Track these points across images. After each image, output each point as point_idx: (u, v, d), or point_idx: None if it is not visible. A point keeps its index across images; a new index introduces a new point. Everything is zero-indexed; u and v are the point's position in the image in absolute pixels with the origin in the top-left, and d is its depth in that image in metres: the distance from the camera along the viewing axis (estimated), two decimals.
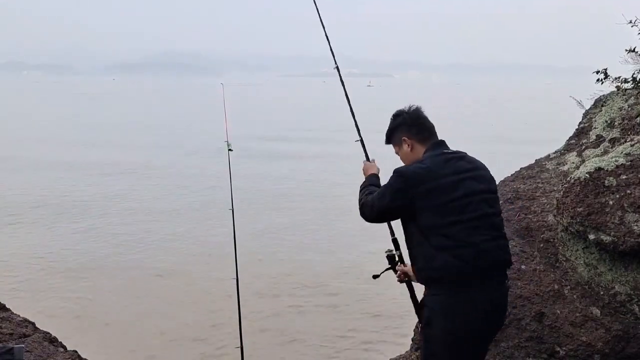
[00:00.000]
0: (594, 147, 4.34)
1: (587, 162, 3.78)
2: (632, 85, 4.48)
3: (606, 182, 3.51)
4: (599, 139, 4.40)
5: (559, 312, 3.52)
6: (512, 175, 4.59)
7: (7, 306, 4.27)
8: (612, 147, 4.11)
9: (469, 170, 2.62)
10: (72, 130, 31.56)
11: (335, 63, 3.96)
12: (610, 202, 3.45)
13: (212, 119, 35.29)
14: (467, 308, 2.48)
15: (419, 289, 2.80)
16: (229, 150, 4.88)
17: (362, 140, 3.48)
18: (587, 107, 4.85)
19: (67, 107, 54.89)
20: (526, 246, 3.86)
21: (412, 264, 2.70)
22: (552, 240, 3.83)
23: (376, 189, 2.79)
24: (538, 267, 3.71)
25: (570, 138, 4.72)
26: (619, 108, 4.47)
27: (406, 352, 4.25)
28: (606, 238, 3.42)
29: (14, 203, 13.64)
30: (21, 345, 3.35)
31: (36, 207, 13.29)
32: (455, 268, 2.47)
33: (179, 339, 6.80)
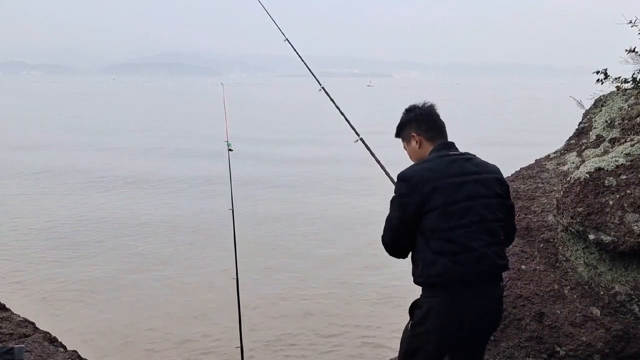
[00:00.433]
0: (594, 147, 4.34)
1: (587, 162, 3.79)
2: (632, 85, 4.48)
3: (606, 182, 3.51)
4: (599, 139, 4.40)
5: (559, 312, 3.52)
6: (512, 175, 4.59)
7: (7, 306, 4.27)
8: (612, 147, 4.12)
9: (474, 173, 2.57)
10: (71, 131, 31.57)
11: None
12: (610, 202, 3.45)
13: (212, 119, 35.30)
14: (462, 311, 2.48)
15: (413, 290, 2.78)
16: (229, 150, 4.89)
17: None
18: (587, 107, 4.85)
19: (66, 108, 54.88)
20: (526, 246, 3.86)
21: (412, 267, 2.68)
22: (552, 240, 3.83)
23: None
24: (538, 267, 3.71)
25: (570, 138, 4.72)
26: (619, 108, 4.47)
27: None
28: (606, 238, 3.42)
29: (13, 201, 13.65)
30: (21, 345, 3.35)
31: (36, 205, 13.30)
32: (454, 273, 2.47)
33: (178, 338, 6.80)
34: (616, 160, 3.58)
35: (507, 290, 3.64)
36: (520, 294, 3.61)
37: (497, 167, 2.72)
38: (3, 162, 19.52)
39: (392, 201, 2.62)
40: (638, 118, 4.16)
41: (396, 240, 2.64)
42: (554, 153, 4.70)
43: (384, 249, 2.73)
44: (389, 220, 2.63)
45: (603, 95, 4.76)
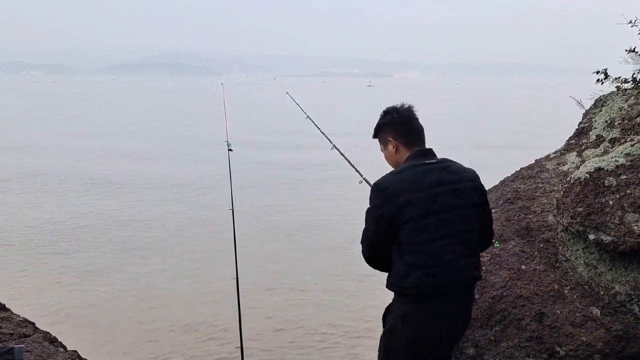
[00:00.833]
0: (594, 147, 4.34)
1: (587, 162, 3.79)
2: (632, 85, 4.49)
3: (606, 182, 3.51)
4: (599, 139, 4.40)
5: (559, 312, 3.52)
6: (512, 175, 4.60)
7: (7, 306, 4.28)
8: (612, 147, 4.12)
9: (451, 183, 2.51)
10: (70, 133, 31.57)
11: None
12: (610, 202, 3.45)
13: (212, 119, 35.30)
14: (433, 318, 2.49)
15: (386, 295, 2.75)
16: (229, 150, 4.90)
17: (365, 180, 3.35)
18: (587, 107, 4.85)
19: (66, 108, 54.88)
20: (526, 246, 3.86)
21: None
22: (552, 240, 3.83)
23: None
24: (538, 267, 3.71)
25: (570, 138, 4.72)
26: (619, 108, 4.48)
27: None
28: (606, 238, 3.42)
29: (13, 201, 13.65)
30: (21, 345, 3.35)
31: (36, 205, 13.30)
32: (427, 285, 2.45)
33: (179, 338, 6.79)
34: (616, 160, 3.58)
35: (507, 290, 3.64)
36: (520, 294, 3.61)
37: (475, 173, 2.66)
38: (4, 161, 19.54)
39: (367, 213, 2.56)
40: (638, 118, 4.16)
41: (373, 252, 2.60)
42: (554, 153, 4.70)
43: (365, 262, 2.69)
44: (364, 232, 2.58)
45: (603, 95, 4.76)
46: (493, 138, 27.93)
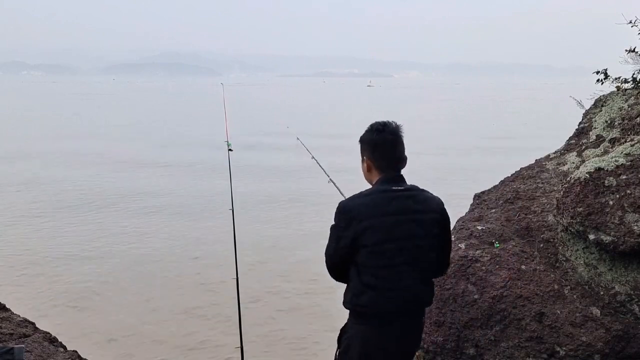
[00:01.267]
0: (594, 147, 4.34)
1: (587, 162, 3.79)
2: (632, 85, 4.48)
3: (606, 182, 3.51)
4: (599, 139, 4.40)
5: (559, 312, 3.51)
6: (512, 175, 4.60)
7: (7, 306, 4.28)
8: (612, 147, 4.12)
9: (414, 212, 2.56)
10: (69, 136, 31.56)
11: None
12: (610, 202, 3.45)
13: (212, 119, 35.30)
14: (385, 340, 2.57)
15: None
16: (229, 150, 4.90)
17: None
18: (587, 107, 4.85)
19: (66, 108, 54.86)
20: (526, 246, 3.86)
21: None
22: (552, 240, 3.83)
23: None
24: (538, 267, 3.71)
25: (570, 138, 4.72)
26: (619, 108, 4.48)
27: None
28: (606, 238, 3.42)
29: (13, 201, 13.65)
30: (21, 345, 3.35)
31: (36, 207, 13.30)
32: (380, 307, 2.54)
33: (178, 338, 6.80)
34: (616, 160, 3.58)
35: (507, 290, 3.64)
36: (520, 294, 3.61)
37: (440, 204, 2.67)
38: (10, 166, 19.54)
39: (330, 229, 2.62)
40: (638, 118, 4.16)
41: (334, 266, 2.66)
42: (554, 153, 4.70)
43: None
44: (327, 247, 2.65)
45: (603, 95, 4.76)
46: (493, 138, 27.92)
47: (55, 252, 9.98)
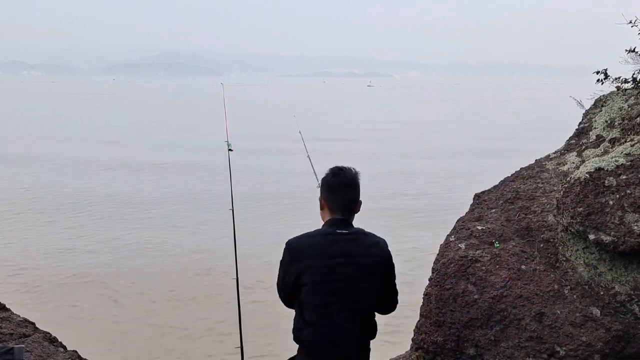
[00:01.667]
0: (594, 147, 4.34)
1: (587, 162, 3.78)
2: (632, 85, 4.48)
3: (606, 182, 3.51)
4: (599, 139, 4.40)
5: (559, 312, 3.51)
6: (512, 175, 4.59)
7: (7, 306, 4.27)
8: (612, 147, 4.12)
9: (353, 256, 2.66)
10: (70, 138, 31.55)
11: None
12: (610, 202, 3.45)
13: (212, 119, 35.29)
14: None
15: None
16: (229, 150, 4.90)
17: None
18: (587, 107, 4.85)
19: (66, 108, 54.82)
20: (526, 246, 3.86)
21: None
22: (552, 240, 3.83)
23: None
24: (538, 267, 3.71)
25: (570, 138, 4.72)
26: (619, 108, 4.47)
27: (406, 352, 4.25)
28: (606, 238, 3.42)
29: (13, 201, 13.64)
30: (21, 345, 3.35)
31: (35, 206, 13.30)
32: (316, 343, 2.70)
33: (179, 338, 6.80)
34: (616, 160, 3.58)
35: (507, 290, 3.64)
36: (520, 294, 3.61)
37: (384, 248, 2.75)
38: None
39: (279, 263, 2.78)
40: (638, 118, 4.16)
41: (284, 297, 2.84)
42: (554, 153, 4.70)
43: None
44: (277, 278, 2.81)
45: (603, 95, 4.75)
46: (493, 138, 27.93)
47: (55, 252, 9.99)
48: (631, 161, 3.55)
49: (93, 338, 6.71)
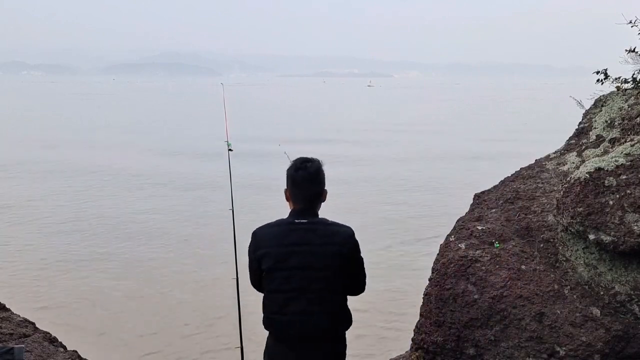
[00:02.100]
0: (594, 147, 4.34)
1: (587, 162, 3.78)
2: (632, 85, 4.48)
3: (606, 182, 3.51)
4: (599, 139, 4.40)
5: (559, 312, 3.51)
6: (512, 175, 4.59)
7: (7, 306, 4.28)
8: (612, 147, 4.12)
9: (309, 244, 2.73)
10: (64, 132, 31.56)
11: None
12: (610, 202, 3.45)
13: (212, 119, 35.29)
14: (284, 356, 2.83)
15: None
16: (229, 150, 4.90)
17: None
18: (587, 107, 4.85)
19: (66, 108, 54.81)
20: (526, 246, 3.86)
21: None
22: (552, 240, 3.83)
23: None
24: (538, 267, 3.71)
25: (570, 138, 4.72)
26: (619, 108, 4.47)
27: (406, 352, 4.25)
28: (606, 238, 3.42)
29: (12, 201, 13.65)
30: (21, 345, 3.35)
31: (35, 204, 13.30)
32: (271, 328, 2.85)
33: (179, 338, 6.80)
34: (616, 160, 3.58)
35: (507, 290, 3.64)
36: (520, 294, 3.61)
37: (346, 237, 2.80)
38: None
39: (247, 249, 2.91)
40: (638, 118, 4.16)
41: (253, 282, 2.96)
42: (554, 153, 4.70)
43: None
44: (248, 262, 2.93)
45: (603, 95, 4.75)
46: (493, 138, 27.92)
47: (55, 253, 9.98)
48: (631, 161, 3.55)
49: (93, 338, 6.71)
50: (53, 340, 3.99)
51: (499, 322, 3.61)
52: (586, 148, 4.40)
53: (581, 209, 3.52)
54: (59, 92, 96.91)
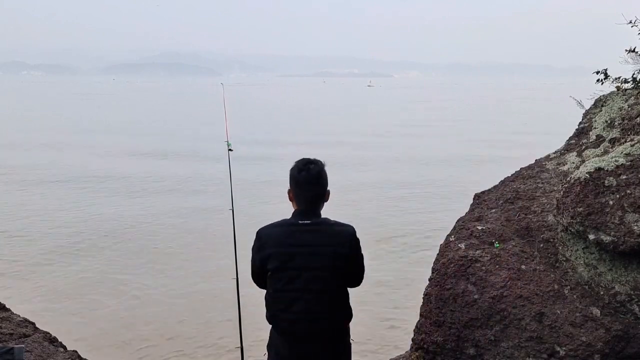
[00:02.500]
0: (594, 147, 4.34)
1: (587, 162, 3.78)
2: (632, 85, 4.48)
3: (606, 182, 3.51)
4: (599, 139, 4.40)
5: (559, 312, 3.51)
6: (512, 175, 4.59)
7: (7, 306, 4.28)
8: (612, 147, 4.12)
9: (311, 246, 2.81)
10: (64, 132, 31.55)
11: None
12: (610, 202, 3.45)
13: (212, 119, 35.29)
14: (285, 351, 2.90)
15: None
16: (229, 150, 4.90)
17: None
18: (587, 107, 4.85)
19: (66, 108, 54.81)
20: (526, 246, 3.86)
21: None
22: (552, 240, 3.83)
23: None
24: (538, 267, 3.71)
25: (570, 138, 4.72)
26: (619, 108, 4.47)
27: (406, 352, 4.26)
28: (606, 238, 3.42)
29: (13, 201, 13.65)
30: (21, 345, 3.35)
31: (35, 205, 13.30)
32: (275, 325, 2.91)
33: (179, 339, 6.80)
34: (616, 160, 3.58)
35: (507, 290, 3.64)
36: (520, 294, 3.61)
37: (347, 237, 2.86)
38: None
39: (251, 248, 2.97)
40: (638, 118, 4.16)
41: (256, 279, 3.01)
42: (554, 153, 4.70)
43: None
44: (251, 261, 2.99)
45: (603, 95, 4.75)
46: (493, 138, 27.92)
47: (55, 253, 9.98)
48: (631, 161, 3.55)
49: (93, 338, 6.71)
50: (53, 340, 3.99)
51: (499, 322, 3.61)
52: (586, 148, 4.40)
53: (581, 209, 3.52)
54: (58, 92, 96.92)
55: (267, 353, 3.02)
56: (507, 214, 4.11)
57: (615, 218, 3.41)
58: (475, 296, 3.69)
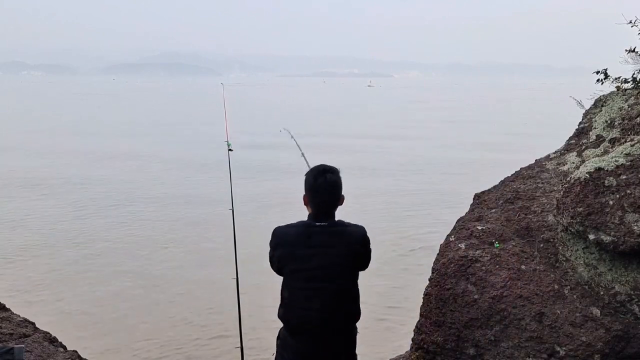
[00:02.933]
0: (594, 147, 4.34)
1: (587, 162, 3.78)
2: (632, 85, 4.48)
3: (606, 182, 3.51)
4: (599, 139, 4.40)
5: (559, 312, 3.52)
6: (512, 175, 4.59)
7: (7, 306, 4.28)
8: (612, 147, 4.12)
9: (326, 247, 2.94)
10: (64, 132, 31.56)
11: None
12: (610, 202, 3.45)
13: (212, 119, 35.30)
14: (300, 348, 2.98)
15: None
16: (229, 150, 4.90)
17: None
18: (587, 107, 4.85)
19: (66, 108, 54.81)
20: (526, 246, 3.86)
21: None
22: (552, 240, 3.83)
23: None
24: (538, 267, 3.71)
25: (570, 138, 4.72)
26: (619, 108, 4.47)
27: (406, 352, 4.26)
28: (606, 238, 3.42)
29: (13, 203, 13.65)
30: (21, 345, 3.35)
31: (34, 206, 13.30)
32: (291, 322, 2.99)
33: (179, 339, 6.80)
34: (616, 160, 3.58)
35: (507, 290, 3.64)
36: (520, 294, 3.61)
37: (359, 237, 3.03)
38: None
39: (269, 243, 3.09)
40: (638, 118, 4.17)
41: (273, 269, 3.12)
42: (554, 153, 4.70)
43: None
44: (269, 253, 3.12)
45: (603, 95, 4.75)
46: (493, 138, 27.93)
47: (54, 253, 9.98)
48: (631, 161, 3.55)
49: (93, 338, 6.71)
50: (53, 340, 3.99)
51: (499, 322, 3.61)
52: (586, 148, 4.40)
53: (581, 209, 3.52)
54: (59, 92, 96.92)
55: (275, 353, 3.11)
56: (507, 214, 4.11)
57: (615, 218, 3.41)
58: (475, 296, 3.69)
